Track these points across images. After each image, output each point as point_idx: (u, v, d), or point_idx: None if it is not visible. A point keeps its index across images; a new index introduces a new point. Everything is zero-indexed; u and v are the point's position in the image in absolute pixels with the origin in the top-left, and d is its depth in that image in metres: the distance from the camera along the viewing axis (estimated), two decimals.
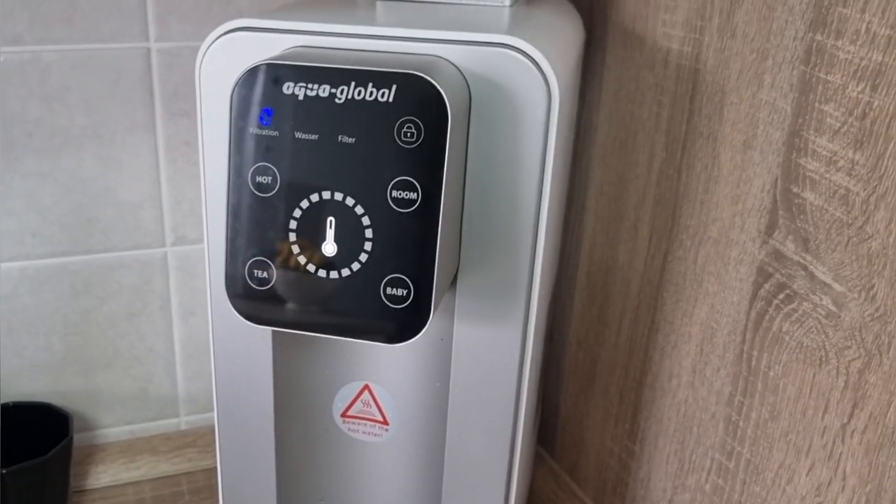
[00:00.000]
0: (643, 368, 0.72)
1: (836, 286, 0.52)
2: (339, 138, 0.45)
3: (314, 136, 0.46)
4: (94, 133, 0.77)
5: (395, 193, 0.45)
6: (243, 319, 0.49)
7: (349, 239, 0.46)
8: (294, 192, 0.46)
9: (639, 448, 0.74)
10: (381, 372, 0.60)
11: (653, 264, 0.69)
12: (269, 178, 0.46)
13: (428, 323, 0.47)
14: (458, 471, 0.59)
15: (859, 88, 0.49)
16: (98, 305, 0.84)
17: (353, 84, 0.45)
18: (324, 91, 0.45)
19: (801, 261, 0.54)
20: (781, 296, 0.56)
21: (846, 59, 0.49)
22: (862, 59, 0.48)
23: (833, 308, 0.52)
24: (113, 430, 0.89)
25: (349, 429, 0.62)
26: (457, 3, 0.61)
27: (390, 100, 0.45)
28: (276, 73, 0.46)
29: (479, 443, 0.58)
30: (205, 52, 0.52)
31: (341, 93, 0.45)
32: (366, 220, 0.46)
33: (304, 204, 0.46)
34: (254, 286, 0.48)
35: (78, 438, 0.87)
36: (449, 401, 0.57)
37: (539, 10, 0.63)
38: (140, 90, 0.77)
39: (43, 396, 0.85)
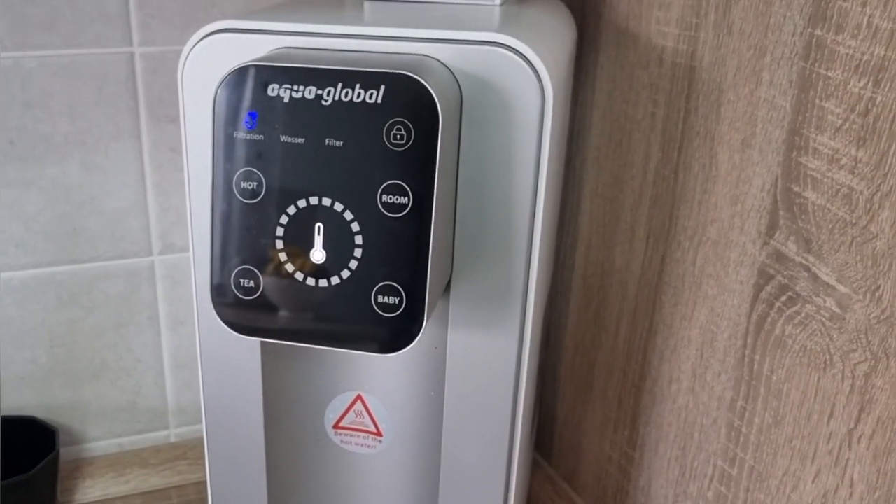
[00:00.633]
0: (642, 373, 0.71)
1: (841, 287, 0.50)
2: (327, 141, 0.44)
3: (301, 140, 0.44)
4: (78, 140, 0.76)
5: (385, 198, 0.44)
6: (230, 330, 0.47)
7: (338, 245, 0.45)
8: (281, 198, 0.45)
9: (638, 454, 0.73)
10: (373, 382, 0.59)
11: (650, 266, 0.68)
12: (255, 183, 0.45)
13: (421, 332, 0.45)
14: (455, 481, 0.58)
15: (861, 84, 0.47)
16: (84, 316, 0.82)
17: (340, 85, 0.44)
18: (310, 93, 0.44)
19: (804, 262, 0.53)
20: (783, 298, 0.55)
21: (847, 55, 0.48)
22: (864, 53, 0.47)
23: (837, 310, 0.51)
24: (101, 444, 0.88)
25: (342, 440, 0.61)
26: (446, 2, 0.60)
27: (379, 101, 0.43)
28: (261, 74, 0.44)
29: (475, 452, 0.57)
30: (187, 55, 0.50)
31: (328, 94, 0.44)
32: (355, 226, 0.44)
33: (292, 210, 0.45)
34: (240, 295, 0.47)
35: (65, 452, 0.86)
36: (444, 410, 0.56)
37: (530, 9, 0.62)
38: (124, 96, 0.76)
39: (29, 410, 0.83)
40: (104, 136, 0.77)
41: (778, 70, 0.53)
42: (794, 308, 0.54)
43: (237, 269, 0.46)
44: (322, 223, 0.45)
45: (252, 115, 0.45)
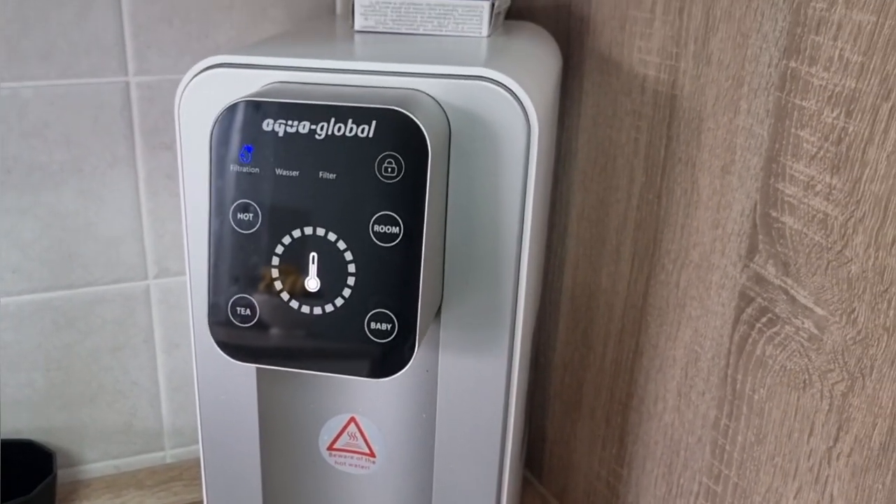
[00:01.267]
0: (629, 392, 0.72)
1: (818, 310, 0.52)
2: (320, 174, 0.45)
3: (295, 173, 0.46)
4: (74, 168, 0.77)
5: (377, 228, 0.45)
6: (227, 356, 0.49)
7: (332, 274, 0.46)
8: (276, 229, 0.46)
9: (626, 472, 0.74)
10: (367, 404, 0.60)
11: (636, 288, 0.69)
12: (251, 214, 0.46)
13: (413, 357, 0.47)
14: (447, 500, 0.59)
15: (834, 114, 0.49)
16: (81, 340, 0.83)
17: (332, 120, 0.45)
18: (304, 127, 0.45)
19: (783, 284, 0.55)
20: (764, 319, 0.56)
21: (821, 86, 0.50)
22: (836, 85, 0.49)
23: (815, 331, 0.53)
24: (98, 466, 0.88)
25: (336, 462, 0.62)
26: (435, 34, 0.62)
27: (370, 135, 0.45)
28: (256, 110, 0.46)
29: (466, 472, 0.58)
30: (184, 89, 0.52)
31: (321, 129, 0.45)
32: (348, 256, 0.46)
33: (287, 240, 0.46)
34: (237, 322, 0.48)
35: (62, 474, 0.86)
36: (436, 431, 0.57)
37: (516, 40, 0.64)
38: (120, 124, 0.77)
39: (27, 433, 0.84)
40: (100, 163, 0.78)
41: (755, 99, 0.55)
42: (774, 329, 0.56)
43: (234, 298, 0.47)
44: (316, 252, 0.46)
45: (248, 148, 0.46)
